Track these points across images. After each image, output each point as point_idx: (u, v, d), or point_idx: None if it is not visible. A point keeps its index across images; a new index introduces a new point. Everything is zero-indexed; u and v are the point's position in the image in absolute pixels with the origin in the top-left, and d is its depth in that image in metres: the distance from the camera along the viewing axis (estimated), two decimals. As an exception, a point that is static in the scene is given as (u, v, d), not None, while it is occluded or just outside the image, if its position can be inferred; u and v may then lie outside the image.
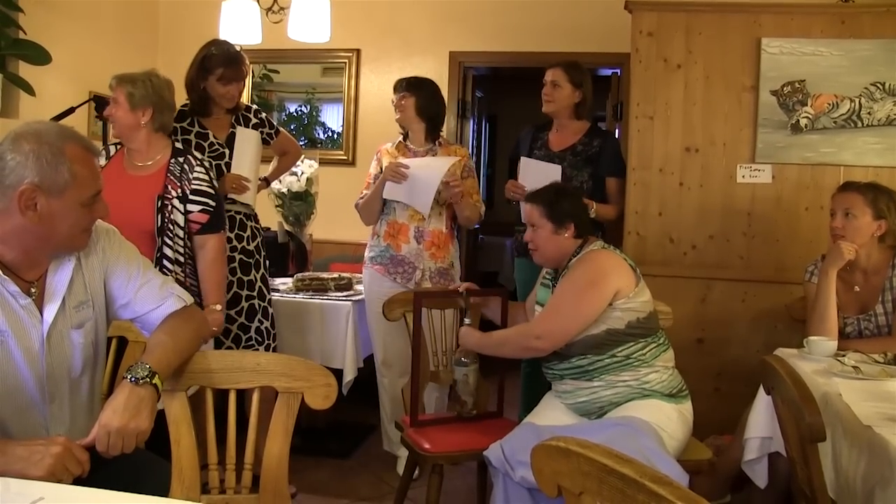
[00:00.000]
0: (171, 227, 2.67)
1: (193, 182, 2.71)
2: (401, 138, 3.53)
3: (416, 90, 3.40)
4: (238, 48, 3.15)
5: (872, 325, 2.76)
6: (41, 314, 1.64)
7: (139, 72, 2.74)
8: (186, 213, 2.70)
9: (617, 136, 4.81)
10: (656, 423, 2.28)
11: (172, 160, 2.72)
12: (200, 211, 2.72)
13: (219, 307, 2.76)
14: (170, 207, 2.67)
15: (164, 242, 2.67)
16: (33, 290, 1.64)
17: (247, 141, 3.11)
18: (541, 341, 2.39)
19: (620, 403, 2.38)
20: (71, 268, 1.70)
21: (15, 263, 1.61)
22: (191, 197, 2.70)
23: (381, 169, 3.44)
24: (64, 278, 1.68)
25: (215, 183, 2.80)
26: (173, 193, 2.68)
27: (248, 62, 3.13)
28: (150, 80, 2.71)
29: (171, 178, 2.69)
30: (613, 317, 2.38)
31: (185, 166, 2.72)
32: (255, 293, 3.10)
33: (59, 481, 1.38)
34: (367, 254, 3.50)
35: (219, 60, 3.02)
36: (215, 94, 3.04)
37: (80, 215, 1.62)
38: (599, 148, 3.50)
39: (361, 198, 3.45)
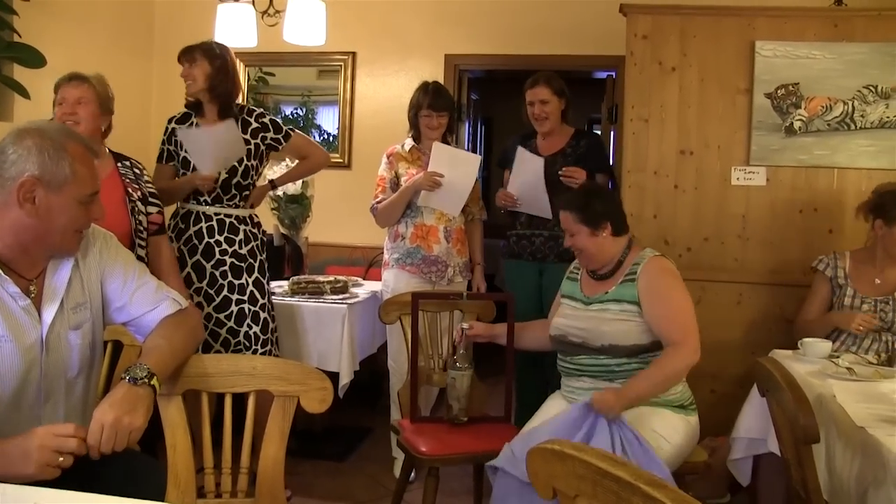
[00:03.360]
0: (140, 229, 2.75)
1: (147, 185, 2.84)
2: (411, 142, 3.55)
3: (451, 108, 3.53)
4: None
5: (889, 309, 2.85)
6: (40, 315, 1.65)
7: (91, 73, 2.74)
8: (147, 214, 2.80)
9: (612, 136, 4.84)
10: (658, 431, 2.30)
11: (119, 164, 2.78)
12: (157, 212, 2.85)
13: (188, 297, 2.90)
14: (135, 209, 2.74)
15: (136, 244, 2.73)
16: (32, 288, 1.66)
17: (196, 142, 3.01)
18: (697, 353, 2.36)
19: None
20: (69, 268, 1.71)
21: (12, 260, 1.62)
22: (150, 199, 2.82)
23: (396, 173, 3.49)
24: (63, 279, 1.70)
25: None
26: (135, 196, 2.76)
27: (214, 48, 3.09)
28: (107, 85, 2.79)
29: (128, 180, 2.76)
30: None
31: (136, 170, 2.83)
32: (245, 297, 3.07)
33: (57, 467, 1.41)
34: (390, 255, 3.54)
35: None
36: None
37: (76, 213, 1.64)
38: (586, 147, 3.56)
39: (378, 202, 3.50)
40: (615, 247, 2.52)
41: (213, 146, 3.00)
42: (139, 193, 2.77)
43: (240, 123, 3.12)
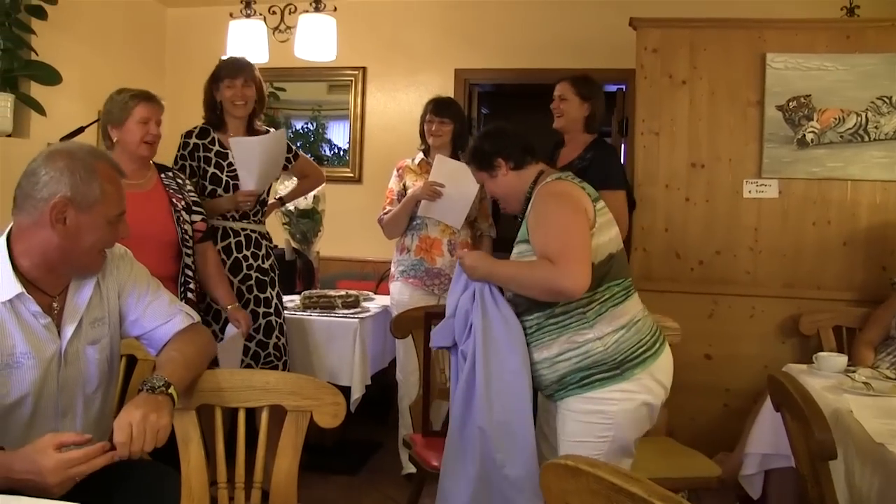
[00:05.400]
0: (186, 238, 2.77)
1: (190, 194, 2.85)
2: (422, 156, 3.56)
3: (455, 117, 3.49)
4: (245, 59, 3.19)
5: None
6: (60, 331, 1.67)
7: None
8: (192, 223, 2.81)
9: (623, 149, 4.81)
10: (573, 438, 2.12)
11: (162, 175, 2.80)
12: (202, 220, 2.85)
13: (237, 304, 2.95)
14: (181, 218, 2.75)
15: (184, 252, 2.76)
16: (55, 305, 1.68)
17: (245, 151, 3.03)
18: (566, 294, 2.01)
19: (563, 389, 2.11)
20: (92, 286, 1.74)
21: (37, 278, 1.65)
22: (193, 208, 2.83)
23: (404, 185, 3.50)
24: (84, 297, 1.72)
25: None
26: (180, 205, 2.77)
27: (256, 69, 3.14)
28: None
29: (172, 191, 2.78)
30: None
31: (178, 180, 2.84)
32: (271, 310, 3.13)
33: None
34: (395, 268, 3.55)
35: (223, 64, 3.12)
36: (225, 100, 3.06)
37: (104, 232, 1.67)
38: (589, 162, 3.28)
39: (385, 213, 3.51)
40: (521, 181, 2.27)
41: (260, 155, 3.03)
42: (183, 203, 2.78)
43: None
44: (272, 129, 3.26)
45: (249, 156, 3.02)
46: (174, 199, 2.76)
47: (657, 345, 2.13)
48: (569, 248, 2.01)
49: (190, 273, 2.77)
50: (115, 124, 2.69)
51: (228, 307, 2.90)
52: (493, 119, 8.09)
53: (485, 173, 2.32)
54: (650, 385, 2.09)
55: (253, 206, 3.10)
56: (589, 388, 2.07)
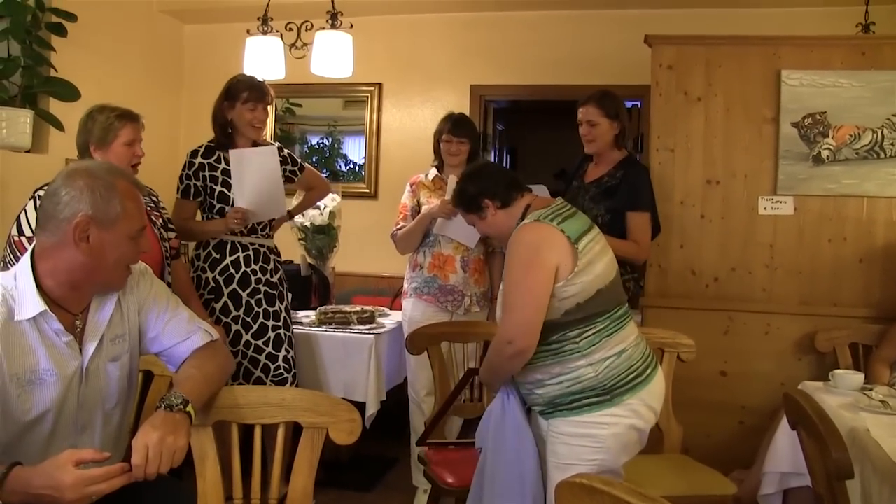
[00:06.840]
0: (167, 255, 2.82)
1: (164, 211, 2.90)
2: (435, 171, 3.58)
3: (471, 136, 3.50)
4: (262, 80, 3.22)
5: None
6: (81, 348, 1.69)
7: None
8: (168, 239, 2.86)
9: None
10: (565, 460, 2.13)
11: None
12: (175, 237, 2.92)
13: (210, 319, 2.96)
14: (161, 236, 2.81)
15: (166, 270, 2.79)
16: (78, 323, 1.70)
17: (239, 164, 3.03)
18: (513, 345, 2.05)
19: (554, 409, 2.12)
20: (113, 303, 1.76)
21: (61, 297, 1.67)
22: (169, 225, 2.89)
23: (417, 201, 3.52)
24: (106, 314, 1.75)
25: None
26: (158, 223, 2.81)
27: (272, 92, 3.18)
28: None
29: (149, 208, 2.80)
30: (550, 307, 2.07)
31: (153, 197, 2.87)
32: (280, 323, 3.17)
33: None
34: (408, 285, 3.55)
35: (244, 86, 3.11)
36: (242, 121, 3.08)
37: (127, 248, 1.69)
38: (620, 180, 3.17)
39: (398, 228, 3.52)
40: (510, 218, 2.26)
41: (256, 168, 3.04)
42: (160, 220, 2.83)
43: None
44: (276, 144, 3.31)
45: (243, 168, 3.03)
46: (153, 217, 2.79)
47: (648, 371, 2.13)
48: (513, 312, 2.07)
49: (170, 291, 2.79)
50: (98, 145, 2.65)
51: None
52: (509, 135, 8.13)
53: (474, 215, 2.32)
54: (640, 410, 2.09)
55: (243, 227, 3.07)
56: (578, 411, 2.08)
